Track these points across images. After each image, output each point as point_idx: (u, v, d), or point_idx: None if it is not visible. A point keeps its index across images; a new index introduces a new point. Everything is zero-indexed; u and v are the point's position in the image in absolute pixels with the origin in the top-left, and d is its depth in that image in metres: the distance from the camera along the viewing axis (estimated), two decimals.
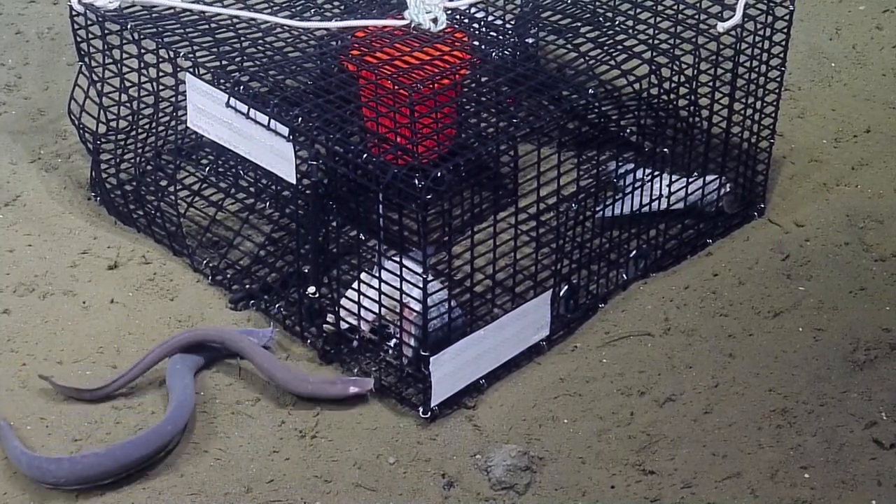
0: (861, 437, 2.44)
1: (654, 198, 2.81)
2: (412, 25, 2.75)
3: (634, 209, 2.78)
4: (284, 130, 2.46)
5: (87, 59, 2.88)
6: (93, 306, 2.73)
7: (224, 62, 2.73)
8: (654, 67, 2.70)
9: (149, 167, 2.99)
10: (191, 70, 2.64)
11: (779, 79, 2.92)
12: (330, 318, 2.59)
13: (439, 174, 2.32)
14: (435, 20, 2.74)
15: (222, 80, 2.60)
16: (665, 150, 2.82)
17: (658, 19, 2.89)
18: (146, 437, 2.35)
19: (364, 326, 2.55)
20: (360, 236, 2.71)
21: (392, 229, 2.52)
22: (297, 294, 2.64)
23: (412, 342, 2.49)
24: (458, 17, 2.86)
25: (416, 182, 2.29)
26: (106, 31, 2.82)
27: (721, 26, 2.77)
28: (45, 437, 2.42)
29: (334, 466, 2.39)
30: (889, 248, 2.90)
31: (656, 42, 2.83)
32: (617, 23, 2.89)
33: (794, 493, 2.34)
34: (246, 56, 2.73)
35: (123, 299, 2.75)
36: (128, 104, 2.89)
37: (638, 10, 2.92)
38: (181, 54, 2.70)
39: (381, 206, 2.50)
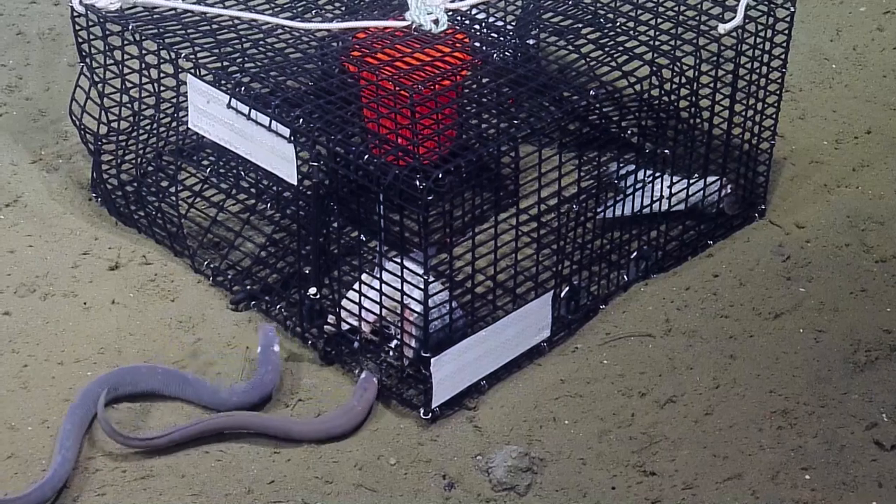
0: (862, 438, 2.45)
1: (654, 199, 2.81)
2: (413, 27, 2.75)
3: (635, 210, 2.79)
4: (285, 131, 2.46)
5: (88, 60, 2.88)
6: (94, 307, 2.73)
7: (225, 63, 2.72)
8: (655, 69, 2.70)
9: (150, 168, 2.99)
10: (192, 71, 2.64)
11: (780, 80, 2.92)
12: (331, 318, 2.59)
13: (440, 175, 2.32)
14: (436, 21, 2.74)
15: (223, 81, 2.60)
16: (666, 151, 2.82)
17: (659, 21, 2.89)
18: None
19: (365, 327, 2.55)
20: (361, 237, 2.71)
21: (393, 230, 2.52)
22: (298, 295, 2.64)
23: (413, 343, 2.49)
24: (459, 18, 2.86)
25: (418, 183, 2.29)
26: (107, 32, 2.81)
27: (722, 27, 2.77)
28: (46, 438, 2.42)
29: (335, 467, 2.39)
30: (890, 249, 2.90)
31: (657, 43, 2.83)
32: (618, 24, 2.89)
33: (795, 494, 2.34)
34: (247, 57, 2.73)
35: (124, 300, 2.75)
36: (129, 105, 2.89)
37: (639, 12, 2.92)
38: (182, 55, 2.70)
39: (381, 207, 2.50)
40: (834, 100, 3.42)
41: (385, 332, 2.55)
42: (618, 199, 2.77)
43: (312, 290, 2.59)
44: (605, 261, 2.76)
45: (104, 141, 2.96)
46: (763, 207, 3.02)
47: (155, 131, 2.94)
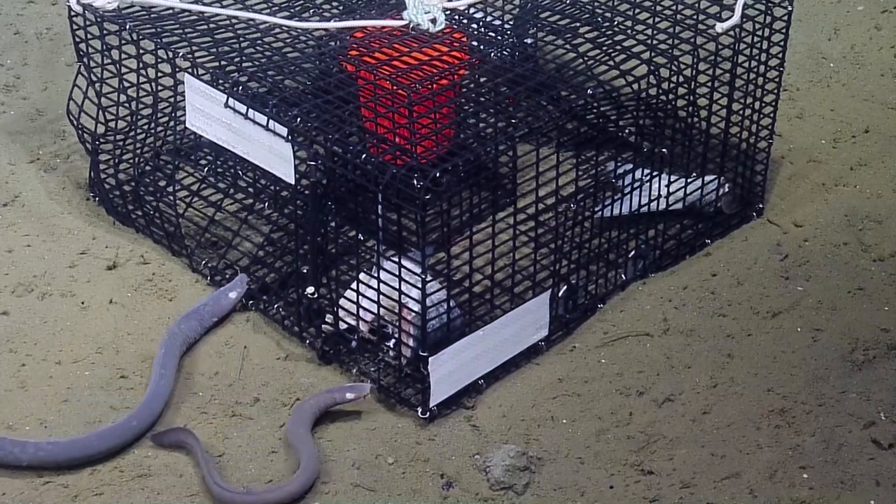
0: (859, 437, 2.45)
1: (652, 198, 2.81)
2: (411, 26, 2.75)
3: (633, 209, 2.79)
4: (283, 131, 2.46)
5: (85, 60, 2.87)
6: (91, 307, 2.73)
7: (223, 62, 2.72)
8: (652, 68, 2.70)
9: (147, 167, 2.99)
10: (189, 70, 2.64)
11: (777, 79, 2.92)
12: (329, 318, 2.59)
13: (438, 174, 2.32)
14: (434, 20, 2.74)
15: (221, 81, 2.60)
16: (664, 150, 2.82)
17: (657, 20, 2.89)
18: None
19: (363, 327, 2.55)
20: (358, 236, 2.71)
21: (391, 229, 2.52)
22: (296, 294, 2.64)
23: (411, 342, 2.49)
24: (456, 17, 2.86)
25: (415, 182, 2.29)
26: (105, 32, 2.81)
27: (720, 26, 2.77)
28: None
29: (333, 467, 2.39)
30: (888, 248, 2.90)
31: (655, 42, 2.83)
32: (615, 23, 2.89)
33: (793, 493, 2.34)
34: (245, 56, 2.73)
35: (122, 300, 2.75)
36: (126, 104, 2.89)
37: (636, 11, 2.92)
38: (180, 54, 2.70)
39: (379, 207, 2.50)
40: (832, 99, 3.42)
41: (383, 331, 2.55)
42: (616, 198, 2.77)
43: (310, 290, 2.58)
44: (603, 260, 2.76)
45: (102, 140, 2.96)
46: (761, 206, 3.02)
47: (153, 131, 2.94)
